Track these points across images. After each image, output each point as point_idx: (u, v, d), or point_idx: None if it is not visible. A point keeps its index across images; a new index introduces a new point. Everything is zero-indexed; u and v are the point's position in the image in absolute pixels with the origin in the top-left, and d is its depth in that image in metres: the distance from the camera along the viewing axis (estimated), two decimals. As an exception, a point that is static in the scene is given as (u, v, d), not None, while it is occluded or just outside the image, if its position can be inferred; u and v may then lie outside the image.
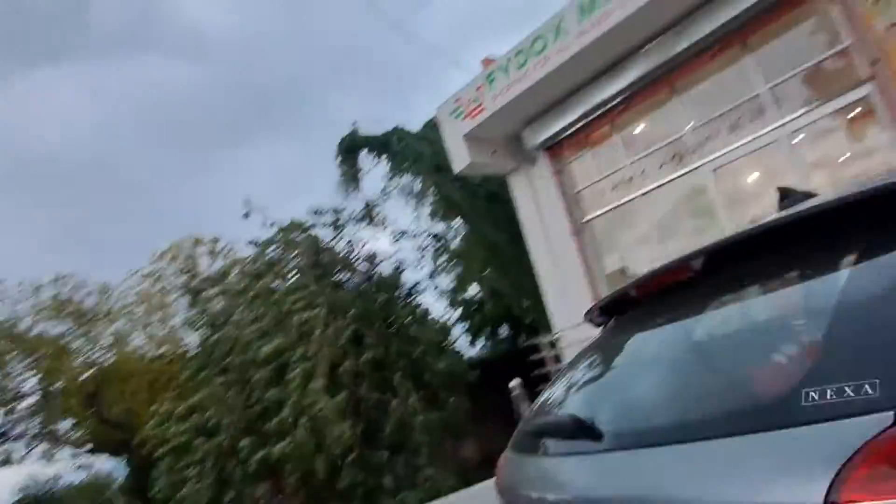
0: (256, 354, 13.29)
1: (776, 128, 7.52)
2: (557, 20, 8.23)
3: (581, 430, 1.56)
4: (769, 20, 7.50)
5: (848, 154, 7.77)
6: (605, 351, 2.10)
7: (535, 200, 10.09)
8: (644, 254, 9.43)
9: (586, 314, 2.22)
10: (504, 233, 17.33)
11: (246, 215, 15.41)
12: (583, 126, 9.34)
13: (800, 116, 7.36)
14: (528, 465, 1.89)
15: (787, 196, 2.15)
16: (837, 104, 7.06)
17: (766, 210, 10.03)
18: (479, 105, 9.39)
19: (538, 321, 15.00)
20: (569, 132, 9.47)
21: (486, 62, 10.03)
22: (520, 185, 10.32)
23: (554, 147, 9.82)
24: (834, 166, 7.80)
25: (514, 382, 6.50)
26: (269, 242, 15.43)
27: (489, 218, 17.17)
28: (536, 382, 9.27)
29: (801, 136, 7.48)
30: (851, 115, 7.30)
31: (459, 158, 9.77)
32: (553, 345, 9.59)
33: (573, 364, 2.16)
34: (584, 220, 9.70)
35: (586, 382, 2.00)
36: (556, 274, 9.80)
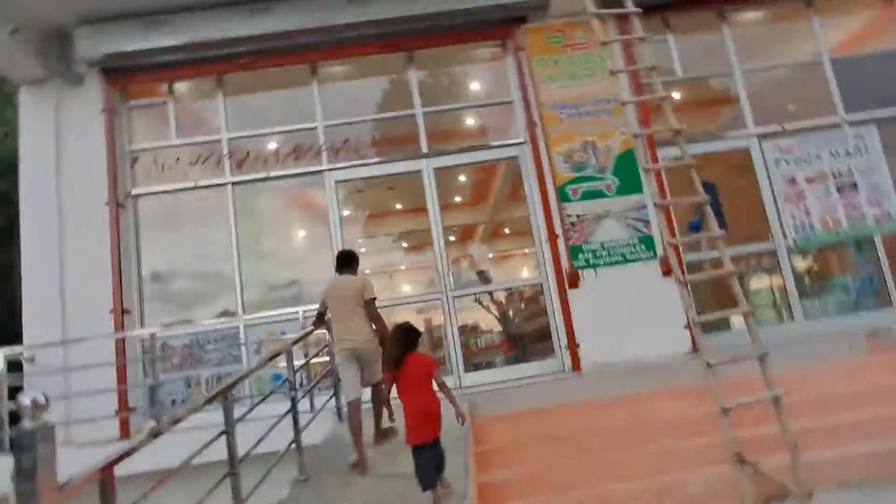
0: None
1: (423, 156, 6.50)
2: None
3: None
4: (442, 41, 6.59)
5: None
6: None
7: (56, 138, 6.38)
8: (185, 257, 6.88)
9: None
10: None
11: None
12: (177, 61, 6.45)
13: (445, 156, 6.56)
14: None
15: None
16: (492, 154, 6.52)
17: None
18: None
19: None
20: (151, 61, 6.41)
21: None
22: (38, 108, 6.44)
23: (119, 73, 6.51)
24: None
25: None
26: None
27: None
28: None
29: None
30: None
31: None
32: (14, 366, 5.76)
33: None
34: (132, 193, 6.55)
35: None
36: (55, 259, 6.17)
